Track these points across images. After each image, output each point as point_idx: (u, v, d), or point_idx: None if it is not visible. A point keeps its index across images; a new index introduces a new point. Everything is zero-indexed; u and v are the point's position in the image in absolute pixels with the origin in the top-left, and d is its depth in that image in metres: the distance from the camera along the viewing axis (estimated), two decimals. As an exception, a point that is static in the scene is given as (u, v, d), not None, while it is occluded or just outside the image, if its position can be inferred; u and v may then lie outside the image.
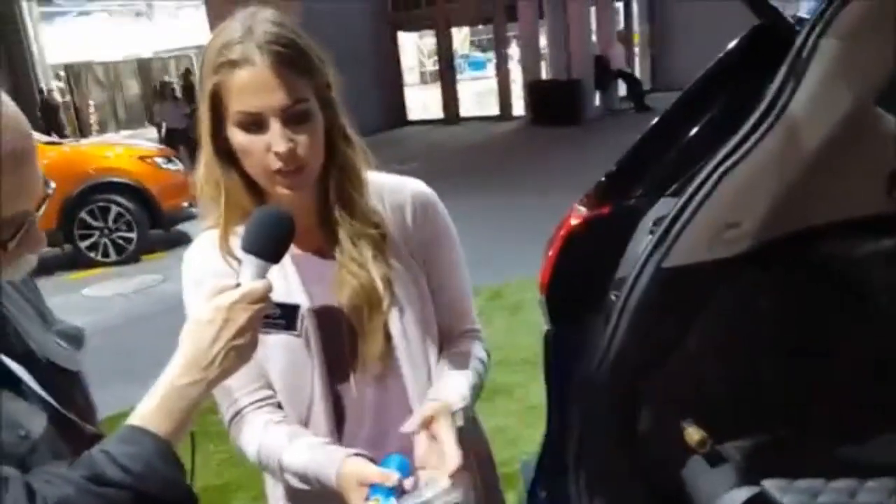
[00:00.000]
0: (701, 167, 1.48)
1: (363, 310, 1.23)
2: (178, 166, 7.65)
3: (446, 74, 16.50)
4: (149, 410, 0.93)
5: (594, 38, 14.02)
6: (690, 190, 1.44)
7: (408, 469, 1.15)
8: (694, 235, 1.44)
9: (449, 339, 1.33)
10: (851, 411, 1.44)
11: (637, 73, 15.29)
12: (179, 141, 10.12)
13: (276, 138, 1.10)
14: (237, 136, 1.13)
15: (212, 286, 1.02)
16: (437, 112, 16.94)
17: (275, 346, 1.23)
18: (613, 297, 1.52)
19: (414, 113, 17.33)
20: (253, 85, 1.09)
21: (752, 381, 1.50)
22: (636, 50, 16.65)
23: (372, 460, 1.19)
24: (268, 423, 1.26)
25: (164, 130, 10.84)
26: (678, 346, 1.49)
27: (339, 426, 1.27)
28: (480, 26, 20.51)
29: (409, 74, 21.29)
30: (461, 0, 15.78)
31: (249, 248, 1.06)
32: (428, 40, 28.19)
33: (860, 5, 1.31)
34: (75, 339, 1.09)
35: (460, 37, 21.30)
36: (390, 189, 1.28)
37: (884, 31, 1.39)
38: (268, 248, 1.07)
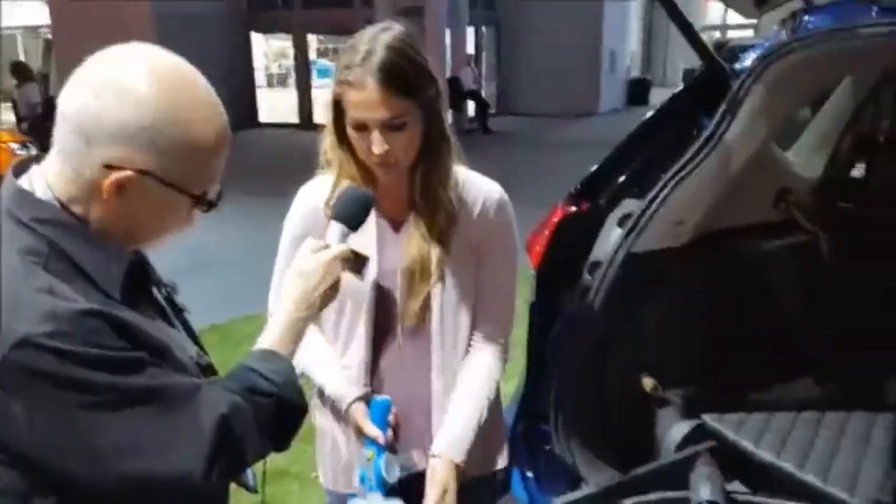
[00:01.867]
0: (657, 177, 1.93)
1: (415, 275, 1.54)
2: (32, 152, 7.25)
3: (302, 79, 16.49)
4: (276, 339, 1.17)
5: (448, 59, 14.68)
6: (652, 194, 1.88)
7: (388, 409, 1.52)
8: (654, 229, 1.87)
9: (477, 343, 1.59)
10: (760, 365, 1.94)
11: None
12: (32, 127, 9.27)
13: (375, 142, 1.40)
14: (351, 132, 1.43)
15: (311, 244, 1.30)
16: (288, 116, 16.86)
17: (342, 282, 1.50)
18: (587, 276, 1.92)
19: (264, 115, 17.15)
20: (362, 103, 1.38)
21: (689, 342, 1.95)
22: (483, 75, 17.57)
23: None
24: (314, 339, 1.57)
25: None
26: (638, 313, 1.92)
27: (375, 359, 1.59)
28: (325, 36, 20.62)
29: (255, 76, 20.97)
30: (319, 7, 15.88)
31: (337, 217, 1.35)
32: (274, 43, 27.79)
33: (783, 63, 1.81)
34: (173, 287, 1.29)
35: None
36: (470, 185, 1.55)
37: (791, 87, 1.90)
38: (352, 219, 1.36)
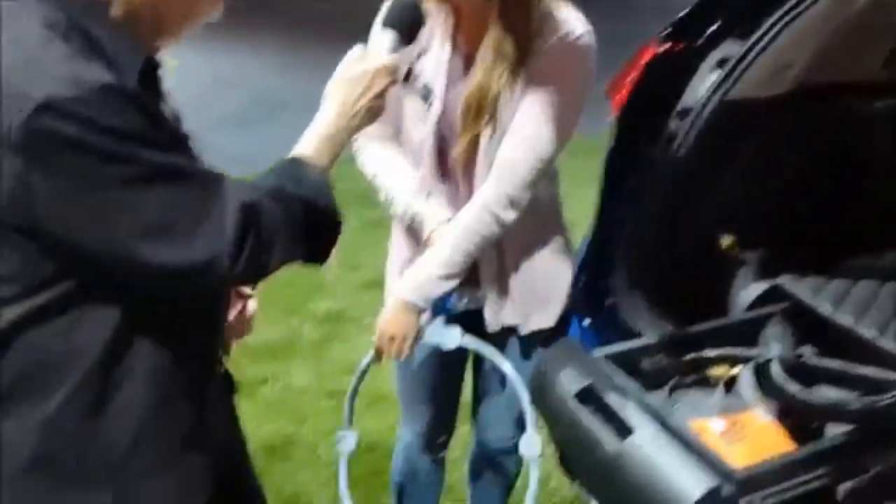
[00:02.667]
0: (761, 18, 1.74)
1: (470, 110, 1.47)
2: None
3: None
4: (312, 149, 1.11)
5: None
6: (756, 36, 1.71)
7: None
8: (755, 74, 1.72)
9: (483, 187, 1.50)
10: (848, 232, 1.82)
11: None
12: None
13: None
14: None
15: (356, 51, 1.21)
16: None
17: (412, 110, 1.53)
18: (674, 124, 1.79)
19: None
20: None
21: (775, 200, 1.84)
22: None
23: None
24: (391, 156, 1.59)
25: None
26: (725, 166, 1.80)
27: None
28: None
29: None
30: None
31: (387, 24, 1.24)
32: None
33: None
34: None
35: None
36: (552, 19, 1.44)
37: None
38: (401, 25, 1.24)
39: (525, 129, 1.45)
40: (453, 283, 1.50)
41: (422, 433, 1.89)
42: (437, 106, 1.49)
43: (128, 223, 0.89)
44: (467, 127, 1.47)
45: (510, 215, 1.48)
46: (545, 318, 1.69)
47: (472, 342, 1.50)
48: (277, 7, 6.86)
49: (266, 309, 4.21)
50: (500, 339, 1.67)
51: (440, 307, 1.53)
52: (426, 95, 1.41)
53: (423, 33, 1.42)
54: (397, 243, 1.71)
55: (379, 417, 2.90)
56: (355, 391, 1.64)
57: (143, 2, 0.95)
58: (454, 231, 1.49)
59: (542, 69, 1.43)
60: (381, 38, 1.23)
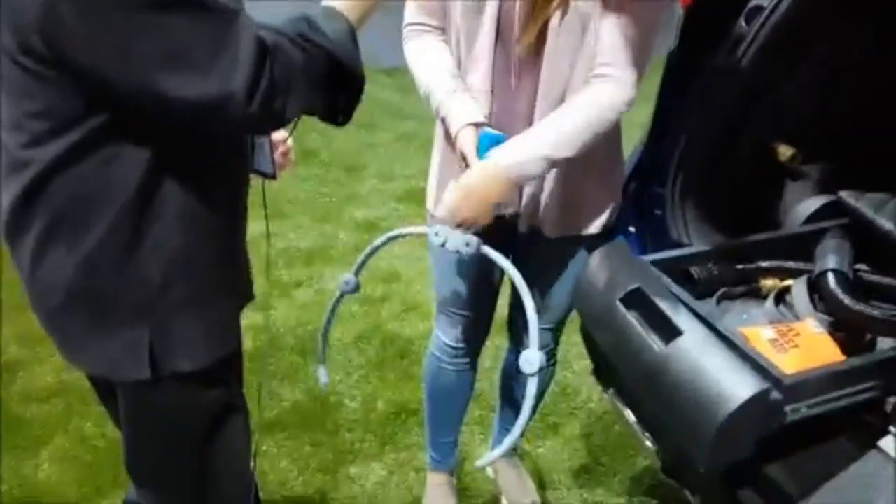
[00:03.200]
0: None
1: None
2: None
3: None
4: (343, 3, 1.10)
5: None
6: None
7: (499, 145, 1.43)
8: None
9: (593, 74, 1.43)
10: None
11: None
12: None
13: None
14: None
15: None
16: None
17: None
18: (744, 24, 1.69)
19: None
20: None
21: (842, 111, 1.74)
22: None
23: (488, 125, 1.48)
24: (435, 50, 1.53)
25: None
26: (793, 71, 1.71)
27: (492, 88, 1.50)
28: None
29: None
30: None
31: None
32: None
33: None
34: None
35: None
36: None
37: None
38: None
39: (627, 11, 1.37)
40: (547, 171, 1.44)
41: (455, 338, 1.88)
42: None
43: (145, 50, 0.90)
44: (537, 11, 1.39)
45: (627, 109, 1.43)
46: (589, 226, 1.65)
47: (489, 251, 1.47)
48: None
49: (302, 216, 4.23)
50: (538, 243, 1.64)
51: None
52: None
53: None
54: (438, 142, 1.66)
55: (413, 324, 2.93)
56: (375, 248, 1.65)
57: None
58: (576, 122, 1.40)
59: None
60: None
